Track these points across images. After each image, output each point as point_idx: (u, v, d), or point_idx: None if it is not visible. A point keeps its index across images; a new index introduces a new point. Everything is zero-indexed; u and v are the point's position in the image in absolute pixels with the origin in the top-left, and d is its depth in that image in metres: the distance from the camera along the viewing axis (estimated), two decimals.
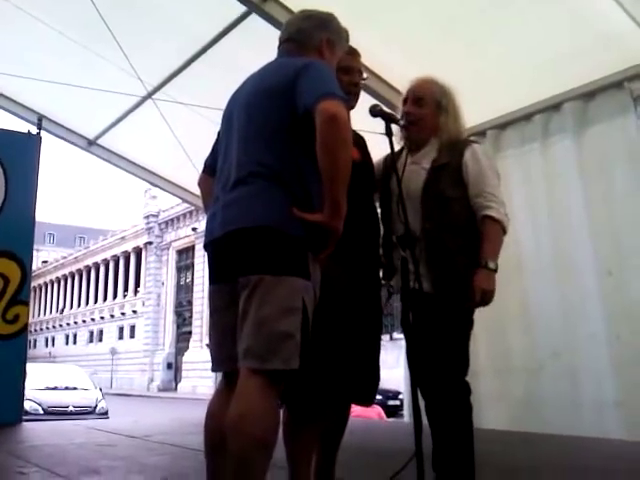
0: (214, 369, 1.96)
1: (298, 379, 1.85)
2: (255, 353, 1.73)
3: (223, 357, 1.90)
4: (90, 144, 6.73)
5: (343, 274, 2.24)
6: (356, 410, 7.24)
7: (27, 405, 10.87)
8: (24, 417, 5.13)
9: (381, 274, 2.49)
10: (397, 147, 2.50)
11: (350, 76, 2.40)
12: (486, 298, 2.31)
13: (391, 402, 15.33)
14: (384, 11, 4.14)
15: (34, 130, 5.38)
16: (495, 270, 2.32)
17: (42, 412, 11.08)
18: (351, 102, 2.38)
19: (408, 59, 4.41)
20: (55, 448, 3.82)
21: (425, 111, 2.49)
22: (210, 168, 2.15)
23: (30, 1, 4.83)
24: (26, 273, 5.05)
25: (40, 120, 5.46)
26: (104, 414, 12.20)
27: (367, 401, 2.39)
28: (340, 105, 1.76)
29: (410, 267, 2.19)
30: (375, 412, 7.44)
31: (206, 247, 1.96)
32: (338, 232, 1.80)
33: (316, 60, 1.99)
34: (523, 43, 4.14)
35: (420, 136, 2.49)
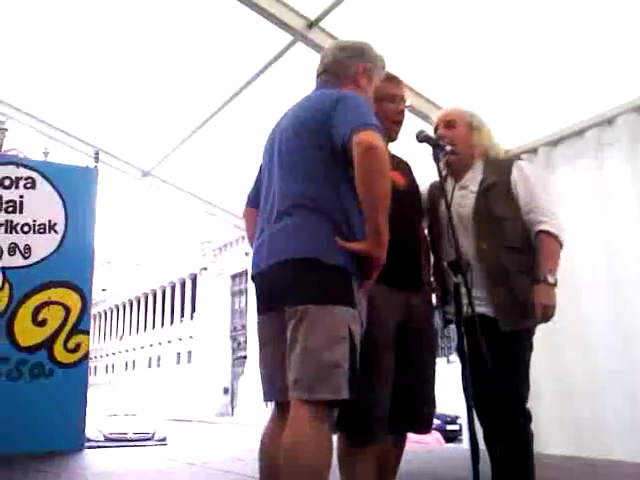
0: (266, 399, 1.98)
1: (353, 406, 1.84)
2: (304, 383, 1.75)
3: (274, 387, 1.92)
4: (145, 175, 6.90)
5: (395, 300, 2.22)
6: (414, 436, 7.13)
7: (88, 432, 11.10)
8: (86, 444, 5.24)
9: (434, 300, 2.46)
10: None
11: (396, 104, 2.41)
12: (547, 313, 2.27)
13: (450, 427, 15.04)
14: (428, 32, 4.15)
15: (92, 163, 5.57)
16: (555, 284, 2.30)
17: (102, 439, 11.33)
18: (396, 129, 2.40)
19: (454, 79, 4.40)
20: (117, 476, 3.88)
21: (458, 132, 2.50)
22: (253, 201, 2.20)
23: (85, 39, 5.02)
24: (86, 303, 5.19)
25: (97, 154, 5.65)
26: (162, 440, 12.37)
27: (424, 429, 2.36)
28: (376, 135, 1.79)
29: (463, 291, 2.16)
30: (433, 438, 7.31)
31: (253, 279, 2.00)
32: (381, 260, 1.83)
33: (349, 92, 2.02)
34: (574, 57, 4.07)
35: (461, 159, 2.47)
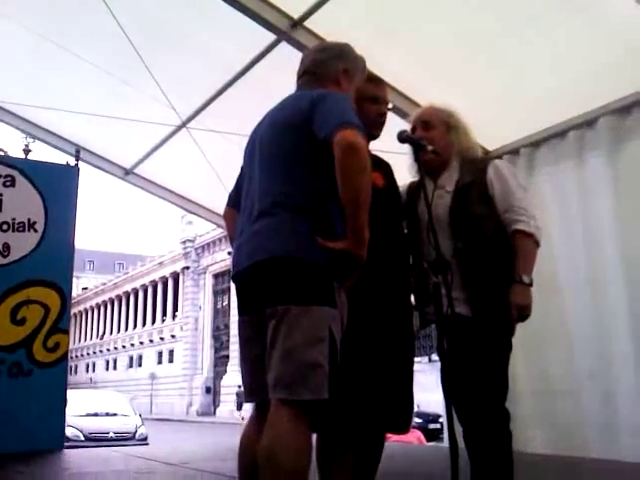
0: (247, 400, 1.98)
1: (330, 407, 1.84)
2: (284, 384, 1.74)
3: (255, 387, 1.91)
4: (127, 173, 6.84)
5: (374, 300, 2.22)
6: (395, 435, 7.12)
7: (68, 432, 10.94)
8: (65, 444, 5.19)
9: (413, 301, 2.47)
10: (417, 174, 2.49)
11: (377, 105, 2.41)
12: (523, 313, 2.27)
13: (432, 425, 15.12)
14: (411, 32, 4.16)
15: (72, 161, 5.51)
16: (530, 284, 2.29)
17: (83, 438, 11.17)
18: (377, 131, 2.41)
19: (436, 79, 4.41)
20: (95, 476, 3.86)
21: (435, 133, 2.48)
22: (234, 201, 2.20)
23: (67, 37, 4.98)
24: (66, 302, 5.14)
25: (78, 152, 5.59)
26: (144, 440, 12.27)
27: (402, 429, 2.35)
28: (357, 133, 1.79)
29: (443, 292, 2.15)
30: (415, 437, 7.33)
31: (234, 279, 1.99)
32: (362, 259, 1.82)
33: (332, 91, 2.02)
34: (555, 58, 4.10)
35: (437, 159, 2.45)
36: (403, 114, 4.29)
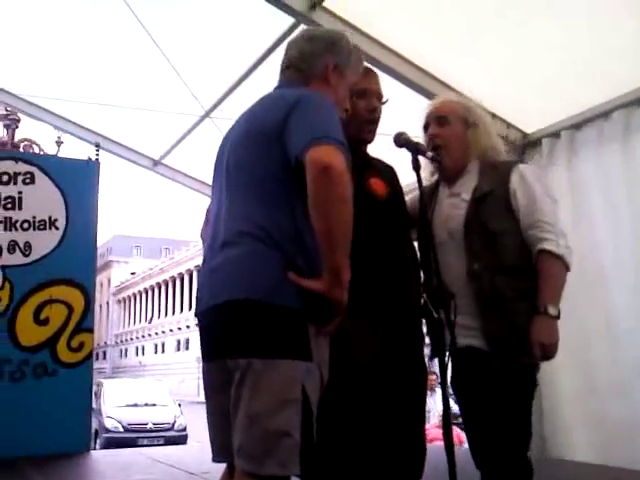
0: (215, 459, 1.70)
1: (321, 464, 1.59)
2: (247, 453, 1.47)
3: (221, 447, 1.64)
4: (155, 164, 6.75)
5: (377, 333, 1.91)
6: (431, 433, 6.83)
7: (108, 423, 11.20)
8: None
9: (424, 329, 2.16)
10: (430, 180, 2.19)
11: (367, 100, 2.09)
12: (547, 352, 1.92)
13: None
14: (439, 7, 3.84)
15: (93, 156, 5.42)
16: (557, 317, 1.94)
17: (122, 430, 11.30)
18: (369, 135, 2.11)
19: (472, 58, 4.12)
20: None
21: (451, 130, 2.15)
22: None
23: (88, 30, 4.88)
24: (89, 300, 5.05)
25: (98, 146, 5.49)
26: (182, 430, 12.38)
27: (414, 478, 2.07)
28: (334, 152, 1.47)
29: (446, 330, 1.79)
30: (454, 435, 6.99)
31: (196, 317, 1.75)
32: (341, 302, 1.50)
33: (312, 92, 1.69)
34: (596, 32, 3.74)
35: (454, 162, 2.13)
36: (428, 93, 3.99)
